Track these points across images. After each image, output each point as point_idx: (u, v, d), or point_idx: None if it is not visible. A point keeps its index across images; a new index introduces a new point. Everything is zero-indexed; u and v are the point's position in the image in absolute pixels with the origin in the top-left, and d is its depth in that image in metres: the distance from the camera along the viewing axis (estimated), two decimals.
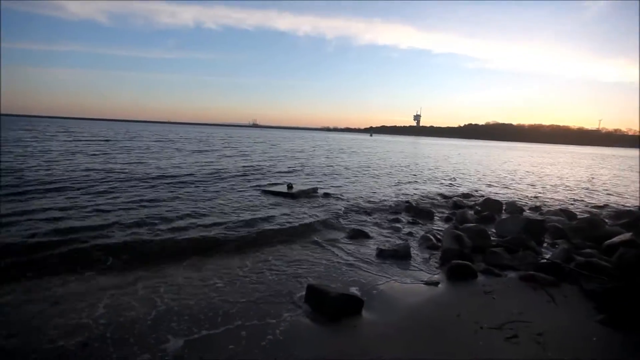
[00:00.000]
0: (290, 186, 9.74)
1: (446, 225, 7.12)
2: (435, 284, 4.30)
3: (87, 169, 11.46)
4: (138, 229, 5.71)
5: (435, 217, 8.05)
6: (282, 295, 3.81)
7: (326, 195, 9.50)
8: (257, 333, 3.02)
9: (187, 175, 11.51)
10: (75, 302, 3.38)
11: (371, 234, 6.42)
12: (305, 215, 7.31)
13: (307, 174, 14.17)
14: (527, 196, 11.84)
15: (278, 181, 11.44)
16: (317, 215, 7.39)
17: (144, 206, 7.18)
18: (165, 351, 2.71)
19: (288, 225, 6.53)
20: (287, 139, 55.38)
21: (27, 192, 7.68)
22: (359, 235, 6.32)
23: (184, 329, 3.03)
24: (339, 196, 9.62)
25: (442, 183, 13.98)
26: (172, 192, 8.81)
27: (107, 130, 51.23)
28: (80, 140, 24.76)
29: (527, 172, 20.98)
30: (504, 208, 8.95)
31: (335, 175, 14.23)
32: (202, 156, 18.75)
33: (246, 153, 22.50)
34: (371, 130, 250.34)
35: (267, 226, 6.36)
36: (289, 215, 7.27)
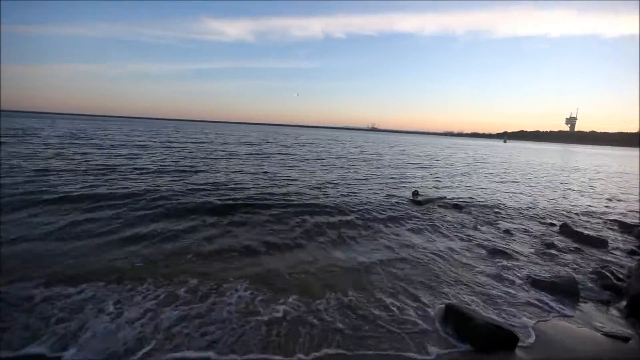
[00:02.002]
0: (416, 193, 9.29)
1: (633, 263, 5.43)
2: (624, 339, 3.27)
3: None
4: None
5: (609, 247, 6.26)
6: (414, 308, 3.60)
7: (456, 206, 8.63)
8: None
9: (326, 180, 12.38)
10: None
11: (514, 256, 5.47)
12: (429, 224, 6.85)
13: (436, 181, 13.20)
14: None
15: (406, 186, 11.11)
16: (442, 226, 6.81)
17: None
18: None
19: (410, 233, 6.22)
20: (413, 144, 51.87)
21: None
22: (497, 254, 5.48)
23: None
24: (472, 207, 8.60)
25: (616, 204, 10.82)
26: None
27: (259, 132, 60.33)
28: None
29: None
30: None
31: (467, 185, 12.80)
32: (332, 160, 19.85)
33: (374, 157, 22.52)
34: (505, 136, 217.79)
35: (387, 232, 6.21)
36: (412, 220, 6.98)
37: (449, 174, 15.94)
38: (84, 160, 12.36)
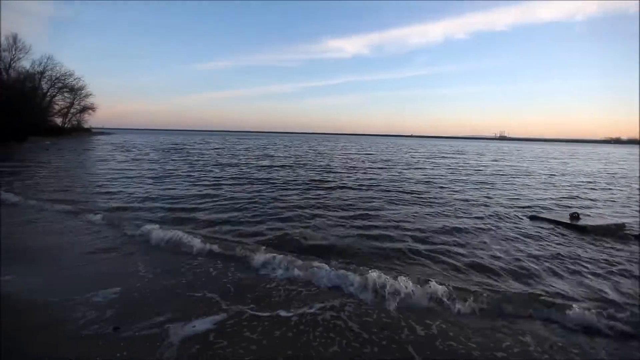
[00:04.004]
0: (575, 216, 7.45)
1: None
2: None
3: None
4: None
5: None
6: None
7: None
8: None
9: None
10: None
11: None
12: (604, 268, 5.09)
13: (608, 203, 10.28)
14: None
15: (556, 207, 9.18)
16: (618, 272, 4.88)
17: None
18: None
19: (578, 285, 4.68)
20: (567, 154, 41.12)
21: None
22: None
23: None
24: None
25: None
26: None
27: (379, 144, 60.88)
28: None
29: None
30: None
31: None
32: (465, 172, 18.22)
33: (518, 171, 19.47)
34: None
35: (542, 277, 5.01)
36: (573, 260, 5.31)
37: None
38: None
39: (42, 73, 46.50)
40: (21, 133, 32.49)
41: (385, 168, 18.10)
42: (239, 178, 12.72)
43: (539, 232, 6.63)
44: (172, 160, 19.93)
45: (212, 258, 4.85)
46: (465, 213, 8.06)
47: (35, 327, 3.13)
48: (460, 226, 6.84)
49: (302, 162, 20.11)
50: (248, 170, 15.56)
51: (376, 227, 6.65)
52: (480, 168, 19.83)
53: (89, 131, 63.23)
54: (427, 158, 27.04)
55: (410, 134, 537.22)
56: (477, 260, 5.01)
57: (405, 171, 16.79)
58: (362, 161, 22.13)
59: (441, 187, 11.83)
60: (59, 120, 53.12)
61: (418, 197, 9.80)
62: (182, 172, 14.33)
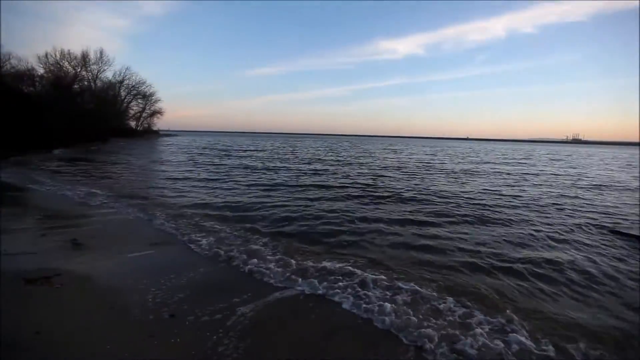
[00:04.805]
0: None
1: None
2: None
3: None
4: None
5: None
6: None
7: None
8: None
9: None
10: None
11: None
12: None
13: None
14: None
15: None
16: None
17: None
18: None
19: None
20: None
21: None
22: None
23: None
24: None
25: None
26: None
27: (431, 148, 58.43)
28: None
29: None
30: None
31: None
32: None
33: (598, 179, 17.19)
34: None
35: None
36: None
37: None
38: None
39: (121, 82, 52.58)
40: (105, 135, 36.90)
41: (443, 175, 16.83)
42: (293, 185, 12.40)
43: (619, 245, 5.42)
44: (227, 161, 21.14)
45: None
46: (549, 234, 6.85)
47: (102, 309, 3.39)
48: (548, 255, 5.64)
49: (354, 167, 19.66)
50: (301, 174, 15.53)
51: (450, 251, 5.69)
52: (559, 177, 17.35)
53: (157, 133, 69.50)
54: (487, 163, 24.85)
55: (466, 137, 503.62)
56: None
57: (467, 179, 15.43)
58: (417, 167, 20.97)
59: (515, 201, 10.33)
60: (132, 124, 59.50)
61: (491, 212, 8.61)
62: (237, 173, 14.94)
